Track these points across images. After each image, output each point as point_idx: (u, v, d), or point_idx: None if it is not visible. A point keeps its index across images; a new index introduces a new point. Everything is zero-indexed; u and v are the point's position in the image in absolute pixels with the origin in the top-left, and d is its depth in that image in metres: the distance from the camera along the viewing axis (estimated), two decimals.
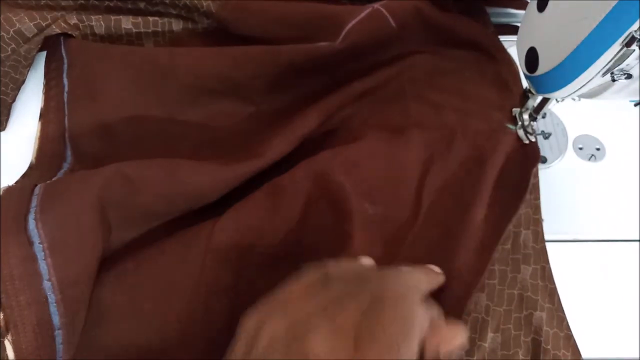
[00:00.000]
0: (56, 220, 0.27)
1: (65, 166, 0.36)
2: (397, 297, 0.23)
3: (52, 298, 0.25)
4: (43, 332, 0.25)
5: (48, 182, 0.31)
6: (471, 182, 0.35)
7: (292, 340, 0.21)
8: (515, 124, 0.40)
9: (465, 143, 0.37)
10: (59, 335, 0.26)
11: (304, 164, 0.35)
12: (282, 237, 0.33)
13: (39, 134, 0.38)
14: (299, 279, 0.24)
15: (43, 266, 0.26)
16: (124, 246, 0.31)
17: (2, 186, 0.33)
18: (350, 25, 0.41)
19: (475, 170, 0.36)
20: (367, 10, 0.42)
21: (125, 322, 0.30)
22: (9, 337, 0.25)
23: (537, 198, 0.37)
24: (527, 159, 0.38)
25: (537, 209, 0.36)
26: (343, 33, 0.41)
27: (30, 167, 0.36)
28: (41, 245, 0.26)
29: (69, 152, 0.37)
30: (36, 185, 0.30)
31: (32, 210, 0.27)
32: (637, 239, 0.38)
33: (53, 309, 0.26)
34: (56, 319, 0.26)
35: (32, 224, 0.26)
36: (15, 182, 0.34)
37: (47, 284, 0.26)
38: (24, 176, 0.35)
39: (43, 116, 0.39)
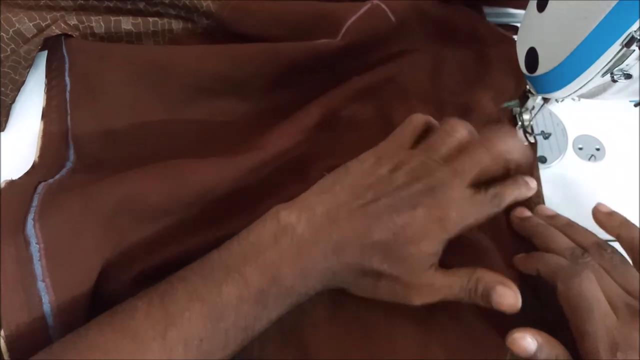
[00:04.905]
0: (54, 228, 0.27)
1: (68, 165, 0.36)
2: None
3: (45, 298, 0.26)
4: (36, 332, 0.25)
5: (51, 182, 0.31)
6: None
7: None
8: (515, 124, 0.40)
9: None
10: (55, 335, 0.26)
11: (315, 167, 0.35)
12: None
13: (41, 133, 0.38)
14: None
15: (37, 267, 0.26)
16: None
17: (2, 186, 0.33)
18: (350, 21, 0.41)
19: None
20: (366, 6, 0.42)
21: None
22: (2, 334, 0.25)
23: (539, 196, 0.37)
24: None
25: None
26: (343, 30, 0.41)
27: (33, 166, 0.35)
28: (38, 246, 0.26)
29: (71, 151, 0.37)
30: (39, 183, 0.30)
31: (32, 210, 0.27)
32: None
33: (47, 308, 0.26)
34: (50, 319, 0.26)
35: (30, 223, 0.27)
36: (19, 179, 0.34)
37: (41, 285, 0.26)
38: (27, 174, 0.35)
39: (45, 115, 0.38)
